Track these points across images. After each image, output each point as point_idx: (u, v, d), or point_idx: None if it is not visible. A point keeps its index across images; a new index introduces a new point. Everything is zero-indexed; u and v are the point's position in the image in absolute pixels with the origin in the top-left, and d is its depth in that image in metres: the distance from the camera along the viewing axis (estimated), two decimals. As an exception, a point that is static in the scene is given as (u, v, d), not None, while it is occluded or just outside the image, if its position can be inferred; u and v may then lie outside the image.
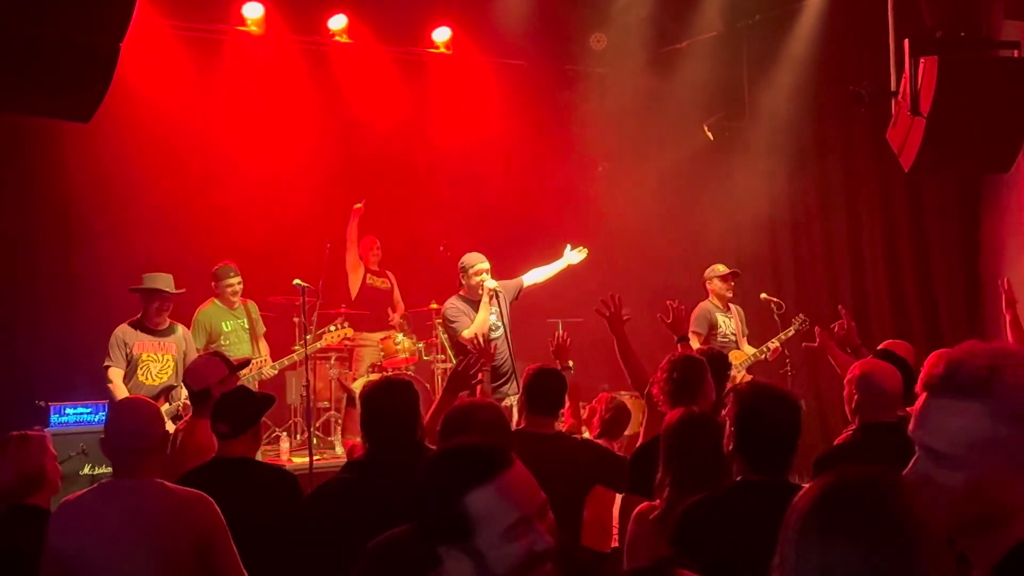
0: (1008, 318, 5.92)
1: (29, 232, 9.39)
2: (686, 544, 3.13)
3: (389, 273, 10.11)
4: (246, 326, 8.41)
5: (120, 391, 7.25)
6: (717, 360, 5.10)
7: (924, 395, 1.75)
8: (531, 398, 4.61)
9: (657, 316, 6.18)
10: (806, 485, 1.53)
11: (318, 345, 8.76)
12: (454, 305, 7.65)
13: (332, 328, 8.85)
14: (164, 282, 7.54)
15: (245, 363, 5.93)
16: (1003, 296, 6.08)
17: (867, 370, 4.14)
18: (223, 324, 8.26)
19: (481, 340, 7.44)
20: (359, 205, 9.50)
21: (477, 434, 2.45)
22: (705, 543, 3.09)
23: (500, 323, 7.64)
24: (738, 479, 3.21)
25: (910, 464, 1.75)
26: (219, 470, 4.06)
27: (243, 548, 3.54)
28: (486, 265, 7.61)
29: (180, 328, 7.68)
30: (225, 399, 4.35)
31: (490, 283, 7.53)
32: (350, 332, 8.94)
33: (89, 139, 8.84)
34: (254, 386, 8.28)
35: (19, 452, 3.84)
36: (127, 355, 7.37)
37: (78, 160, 9.30)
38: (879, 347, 5.42)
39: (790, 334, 8.64)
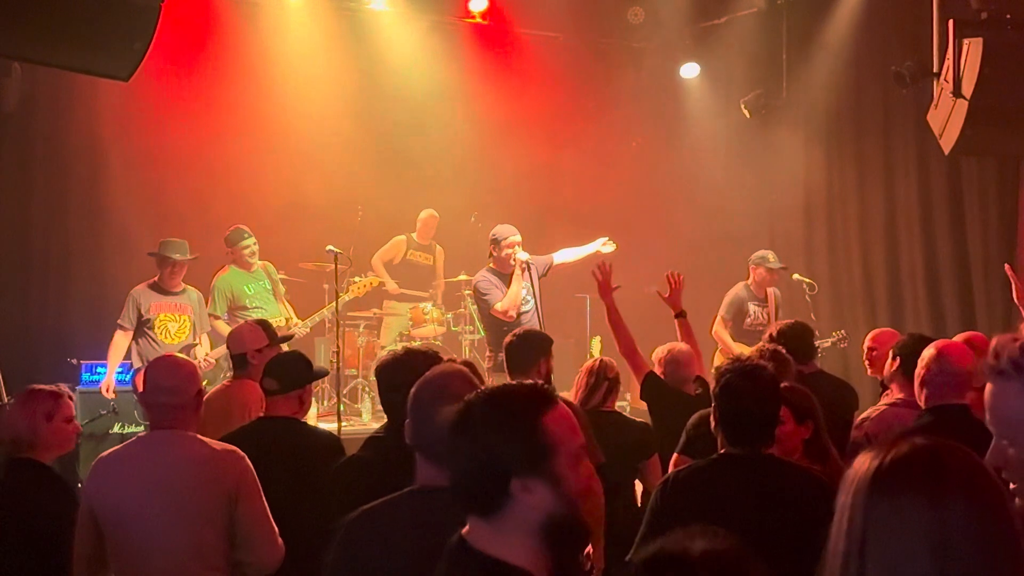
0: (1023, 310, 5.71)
1: (63, 193, 9.48)
2: (665, 509, 3.26)
3: (438, 248, 10.16)
4: (268, 287, 8.38)
5: (115, 352, 7.60)
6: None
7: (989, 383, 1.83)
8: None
9: (655, 292, 6.20)
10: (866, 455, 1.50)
11: (346, 297, 8.60)
12: (486, 278, 7.60)
13: (357, 279, 8.83)
14: (175, 248, 7.69)
15: (288, 338, 6.04)
16: (1013, 286, 5.84)
17: (941, 349, 3.99)
18: (245, 287, 8.20)
19: (514, 314, 7.45)
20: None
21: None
22: (682, 510, 3.20)
23: (530, 297, 7.61)
24: (721, 451, 3.33)
25: (989, 449, 1.81)
26: (264, 428, 4.13)
27: (280, 504, 3.59)
28: (518, 238, 7.56)
29: (194, 291, 7.86)
30: (279, 358, 4.44)
31: (521, 255, 7.49)
32: (375, 280, 9.01)
33: (124, 98, 8.89)
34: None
35: (24, 407, 3.82)
36: (140, 315, 7.60)
37: (112, 120, 9.35)
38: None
39: (825, 345, 8.48)
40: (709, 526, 1.51)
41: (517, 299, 7.45)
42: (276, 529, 3.53)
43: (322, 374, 4.81)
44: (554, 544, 1.89)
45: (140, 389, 3.77)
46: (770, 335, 5.54)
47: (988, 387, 1.82)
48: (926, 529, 1.37)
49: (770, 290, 8.78)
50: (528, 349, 5.04)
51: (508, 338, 5.17)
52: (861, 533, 1.41)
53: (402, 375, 3.08)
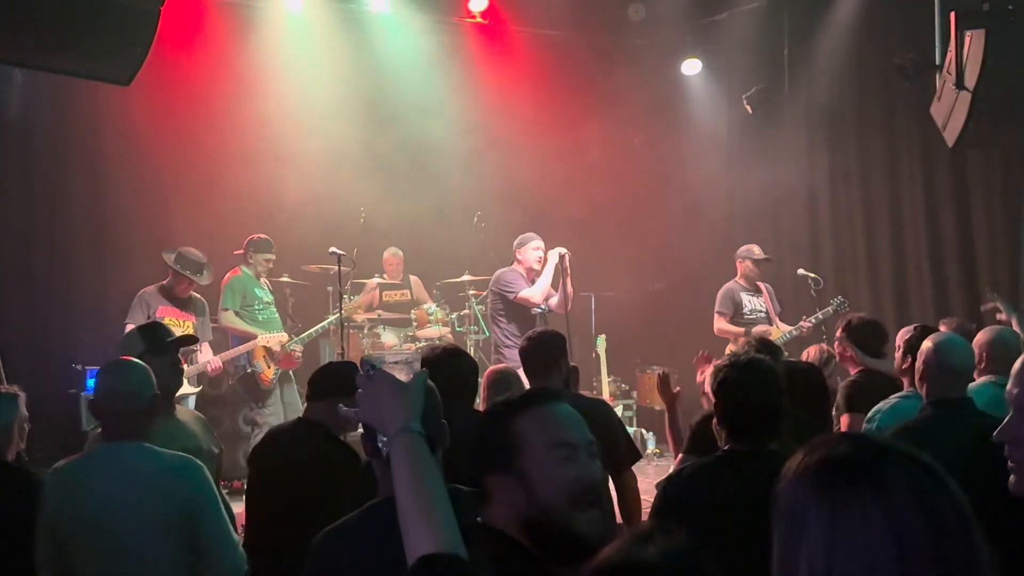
0: None
1: (65, 199, 9.45)
2: (668, 508, 3.22)
3: (413, 279, 10.15)
4: (270, 299, 8.51)
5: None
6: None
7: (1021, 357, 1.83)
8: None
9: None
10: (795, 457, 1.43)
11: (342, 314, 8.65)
12: (514, 271, 7.93)
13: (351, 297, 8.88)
14: (196, 266, 7.66)
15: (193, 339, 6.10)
16: None
17: (938, 344, 3.91)
18: (255, 291, 8.33)
19: (540, 301, 7.73)
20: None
21: None
22: (685, 509, 3.15)
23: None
24: (725, 448, 3.27)
25: (1001, 425, 1.79)
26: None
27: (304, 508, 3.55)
28: (542, 243, 7.98)
29: (199, 299, 7.87)
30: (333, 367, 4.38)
31: (560, 249, 7.82)
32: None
33: (125, 103, 8.87)
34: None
35: None
36: (148, 317, 7.47)
37: (113, 125, 9.34)
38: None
39: (829, 313, 8.46)
40: (662, 526, 1.46)
41: (547, 287, 7.80)
42: (237, 539, 3.40)
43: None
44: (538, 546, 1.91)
45: None
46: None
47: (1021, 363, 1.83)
48: (886, 526, 1.29)
49: (762, 285, 8.75)
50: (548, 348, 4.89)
51: (522, 342, 4.88)
52: (826, 532, 1.32)
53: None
